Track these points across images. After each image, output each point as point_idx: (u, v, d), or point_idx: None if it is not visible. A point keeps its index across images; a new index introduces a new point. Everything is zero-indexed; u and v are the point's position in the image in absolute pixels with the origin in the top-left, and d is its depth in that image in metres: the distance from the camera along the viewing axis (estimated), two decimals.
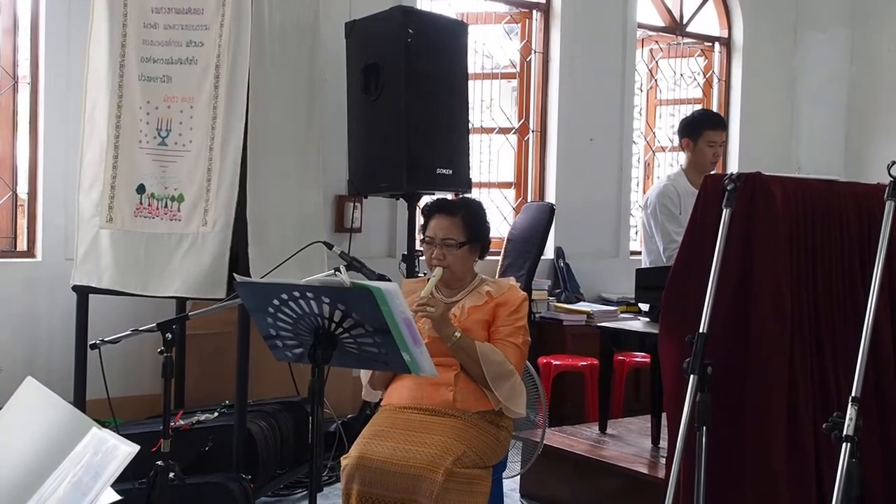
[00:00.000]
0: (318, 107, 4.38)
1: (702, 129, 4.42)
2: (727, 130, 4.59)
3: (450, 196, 4.23)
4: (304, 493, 4.10)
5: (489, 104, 6.39)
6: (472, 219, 3.12)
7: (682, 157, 4.63)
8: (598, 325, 4.73)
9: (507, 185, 6.49)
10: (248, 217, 3.72)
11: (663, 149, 7.33)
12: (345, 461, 2.88)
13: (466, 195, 4.50)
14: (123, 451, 1.33)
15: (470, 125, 5.18)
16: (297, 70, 4.17)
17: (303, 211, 4.24)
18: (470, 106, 5.19)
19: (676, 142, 7.09)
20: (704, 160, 4.42)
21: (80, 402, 3.90)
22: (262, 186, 3.82)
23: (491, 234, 3.25)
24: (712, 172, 4.30)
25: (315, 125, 4.33)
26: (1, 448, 1.51)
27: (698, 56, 7.48)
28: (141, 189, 3.83)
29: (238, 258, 3.70)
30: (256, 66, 3.76)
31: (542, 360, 5.43)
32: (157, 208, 3.81)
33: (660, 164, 7.30)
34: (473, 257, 3.14)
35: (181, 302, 4.19)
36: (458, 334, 2.93)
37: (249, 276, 3.55)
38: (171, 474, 2.82)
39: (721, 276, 2.74)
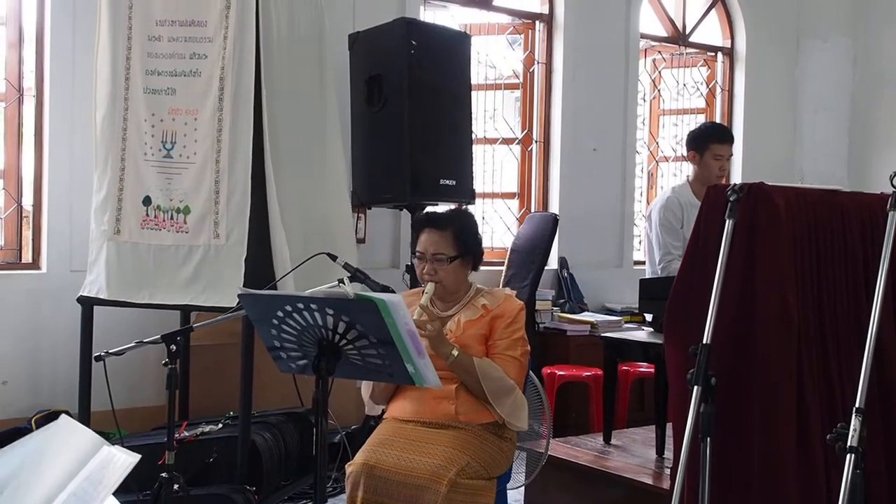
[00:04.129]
0: (333, 118, 4.38)
1: (708, 142, 4.40)
2: (733, 143, 4.57)
3: (452, 207, 4.23)
4: (309, 503, 4.11)
5: (492, 115, 6.41)
6: (463, 232, 3.05)
7: (686, 167, 4.64)
8: (602, 335, 4.73)
9: (510, 195, 6.50)
10: (271, 228, 3.74)
11: (666, 159, 7.33)
12: (350, 467, 2.87)
13: (456, 207, 4.50)
14: (125, 460, 1.34)
15: (473, 136, 5.19)
16: (308, 81, 4.19)
17: (331, 220, 4.25)
18: (473, 116, 5.20)
19: (679, 152, 7.15)
20: (710, 173, 4.38)
21: (84, 413, 3.91)
22: (283, 197, 3.83)
23: (495, 245, 3.24)
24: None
25: (332, 137, 4.34)
26: (32, 482, 1.49)
27: (701, 66, 7.50)
28: (147, 201, 3.85)
29: (258, 269, 3.70)
30: (268, 78, 3.78)
31: (546, 370, 5.42)
32: (164, 220, 3.82)
33: (663, 174, 7.31)
34: (466, 270, 3.09)
35: (185, 314, 4.20)
36: (455, 352, 2.89)
37: (276, 287, 3.55)
38: (176, 486, 2.82)
39: (724, 287, 2.74)
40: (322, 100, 4.33)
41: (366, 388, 3.13)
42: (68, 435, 1.53)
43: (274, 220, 3.79)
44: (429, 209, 4.75)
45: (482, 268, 3.24)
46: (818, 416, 2.95)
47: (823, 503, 2.92)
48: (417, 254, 3.06)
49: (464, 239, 3.05)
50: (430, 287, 2.98)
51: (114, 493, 1.54)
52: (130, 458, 1.33)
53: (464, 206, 4.52)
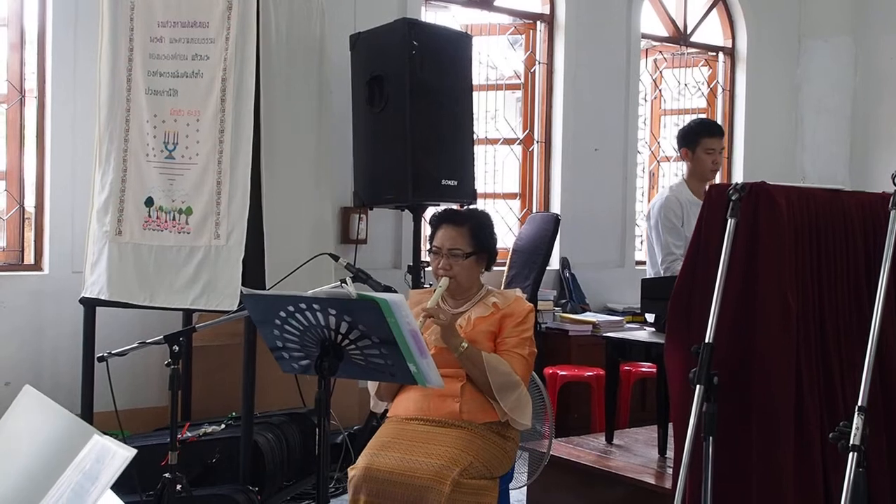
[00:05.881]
0: (326, 119, 4.40)
1: (698, 137, 4.44)
2: (724, 137, 4.59)
3: (456, 207, 4.24)
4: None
5: (494, 115, 6.41)
6: (480, 230, 3.14)
7: (685, 167, 4.65)
8: (604, 335, 4.72)
9: (512, 195, 6.50)
10: (265, 229, 3.74)
11: (668, 158, 7.33)
12: (352, 472, 2.88)
13: (473, 206, 4.51)
14: (121, 454, 1.33)
15: (475, 136, 5.19)
16: (305, 82, 4.20)
17: (316, 222, 4.26)
18: (474, 117, 5.20)
19: None
20: (704, 168, 4.43)
21: (87, 414, 3.91)
22: (276, 198, 3.84)
23: (497, 246, 3.26)
24: (715, 181, 4.31)
25: (324, 137, 4.36)
26: (1, 459, 1.50)
27: (702, 66, 7.50)
28: (149, 202, 3.86)
29: (250, 269, 3.71)
30: (266, 79, 3.79)
31: (548, 370, 5.42)
32: (166, 221, 3.83)
33: (664, 173, 7.31)
34: (480, 268, 3.16)
35: (188, 314, 4.20)
36: (465, 344, 2.94)
37: (265, 287, 3.55)
38: (179, 486, 2.83)
39: (726, 286, 2.74)
40: (319, 101, 4.33)
41: (373, 383, 3.16)
42: (39, 412, 1.52)
43: (267, 220, 3.79)
44: (430, 208, 4.77)
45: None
46: (817, 416, 2.96)
47: (822, 500, 2.92)
48: (434, 249, 3.12)
49: (480, 236, 3.12)
50: (443, 282, 3.05)
51: (118, 494, 1.54)
52: (127, 452, 1.32)
53: (468, 207, 4.53)
